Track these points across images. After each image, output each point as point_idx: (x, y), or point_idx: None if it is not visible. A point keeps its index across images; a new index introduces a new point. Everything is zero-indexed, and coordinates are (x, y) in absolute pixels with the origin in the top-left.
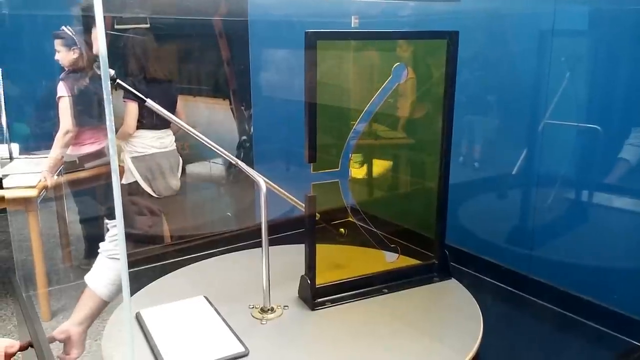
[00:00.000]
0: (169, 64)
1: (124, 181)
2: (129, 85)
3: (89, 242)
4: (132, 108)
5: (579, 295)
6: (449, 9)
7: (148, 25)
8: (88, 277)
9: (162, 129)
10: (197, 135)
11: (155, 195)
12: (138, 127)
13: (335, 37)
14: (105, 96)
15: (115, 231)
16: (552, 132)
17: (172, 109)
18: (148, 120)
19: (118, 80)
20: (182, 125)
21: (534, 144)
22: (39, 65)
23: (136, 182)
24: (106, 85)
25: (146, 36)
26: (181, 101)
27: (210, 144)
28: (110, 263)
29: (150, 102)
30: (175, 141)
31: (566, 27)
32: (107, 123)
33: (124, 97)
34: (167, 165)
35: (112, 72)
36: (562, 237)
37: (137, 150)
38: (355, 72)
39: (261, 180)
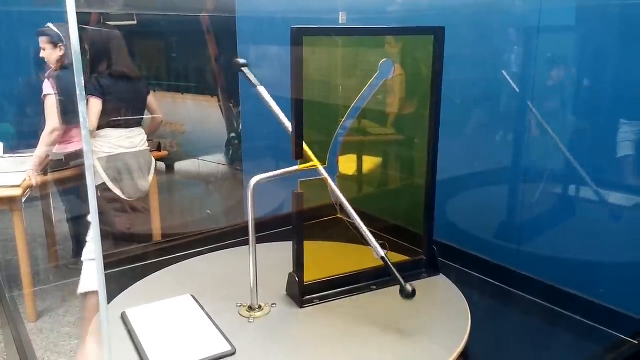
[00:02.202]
0: (153, 61)
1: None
2: (92, 82)
3: (76, 241)
4: (94, 104)
5: (566, 289)
6: (437, 5)
7: (135, 22)
8: (84, 287)
9: (131, 127)
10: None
11: (125, 197)
12: (104, 126)
13: (321, 32)
14: (77, 92)
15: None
16: (538, 127)
17: (142, 106)
18: (115, 119)
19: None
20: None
21: (520, 139)
22: (22, 63)
23: (104, 184)
24: (79, 81)
25: (113, 30)
26: (159, 98)
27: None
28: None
29: (261, 89)
30: (164, 139)
31: (552, 23)
32: (80, 119)
33: (86, 93)
34: (136, 166)
35: (244, 60)
36: (550, 232)
37: (104, 150)
38: (344, 68)
39: (254, 181)
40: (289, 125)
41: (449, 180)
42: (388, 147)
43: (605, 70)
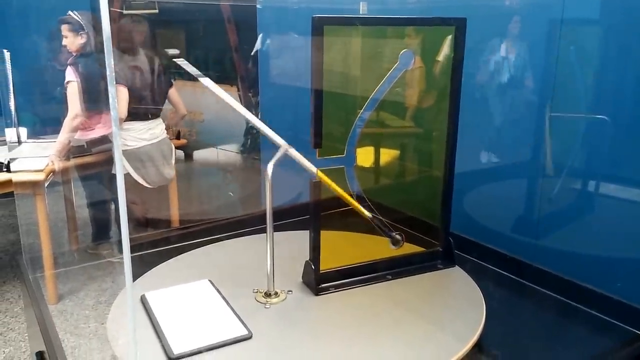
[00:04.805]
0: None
1: (114, 171)
2: (117, 72)
3: (96, 226)
4: (123, 92)
5: (582, 284)
6: None
7: (157, 11)
8: None
9: (153, 119)
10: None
11: (149, 186)
12: (127, 119)
13: (342, 22)
14: (108, 75)
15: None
16: (559, 122)
17: (162, 98)
18: (138, 111)
19: (178, 60)
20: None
21: (540, 133)
22: (46, 50)
23: (128, 173)
24: (109, 62)
25: (140, 23)
26: (179, 87)
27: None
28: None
29: (207, 81)
30: (183, 127)
31: (576, 15)
32: (111, 105)
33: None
34: (160, 155)
35: (177, 51)
36: (567, 226)
37: (127, 143)
38: (363, 59)
39: (270, 166)
40: (250, 117)
41: (466, 173)
42: (406, 140)
43: (628, 63)
